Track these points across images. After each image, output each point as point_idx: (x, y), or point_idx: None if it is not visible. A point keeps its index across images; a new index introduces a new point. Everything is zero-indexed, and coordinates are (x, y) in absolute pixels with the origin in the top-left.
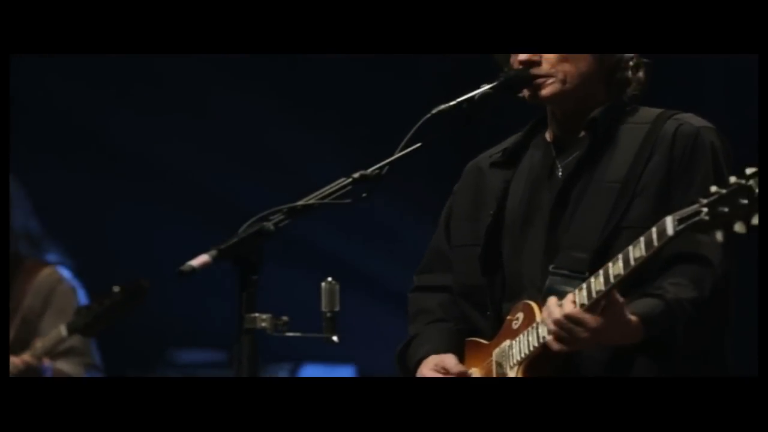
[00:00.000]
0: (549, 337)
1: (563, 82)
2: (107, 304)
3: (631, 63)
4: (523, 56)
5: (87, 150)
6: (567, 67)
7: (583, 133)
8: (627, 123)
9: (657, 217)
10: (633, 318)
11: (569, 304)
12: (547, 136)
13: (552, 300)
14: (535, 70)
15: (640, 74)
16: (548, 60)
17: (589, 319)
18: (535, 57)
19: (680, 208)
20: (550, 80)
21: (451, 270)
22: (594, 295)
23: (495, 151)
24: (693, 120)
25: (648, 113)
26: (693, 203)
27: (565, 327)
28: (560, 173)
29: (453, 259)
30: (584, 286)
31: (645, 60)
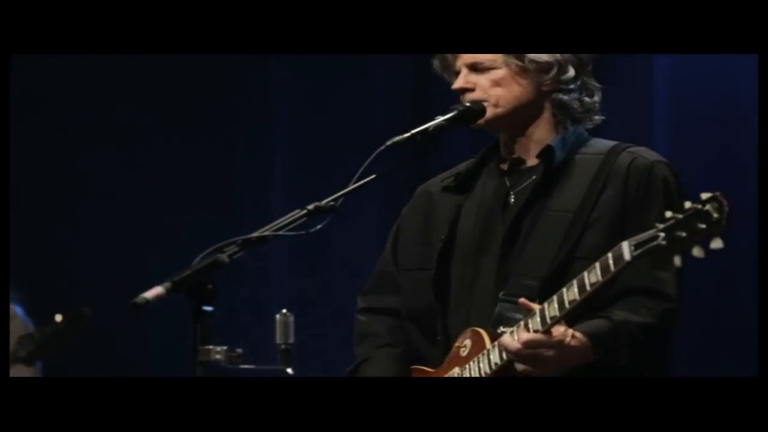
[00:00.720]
0: (500, 364)
1: (496, 105)
2: (49, 332)
3: (573, 86)
4: (456, 84)
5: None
6: (499, 91)
7: (536, 161)
8: (581, 153)
9: (608, 249)
10: (579, 335)
11: (523, 332)
12: (501, 163)
13: (505, 336)
14: (468, 96)
15: (586, 98)
16: (481, 86)
17: (547, 339)
18: (468, 84)
19: None
20: (484, 104)
21: (398, 293)
22: (548, 321)
23: (447, 176)
24: (647, 154)
25: (602, 145)
26: (649, 229)
27: (526, 354)
28: (513, 201)
29: (402, 283)
30: (537, 312)
31: (595, 84)
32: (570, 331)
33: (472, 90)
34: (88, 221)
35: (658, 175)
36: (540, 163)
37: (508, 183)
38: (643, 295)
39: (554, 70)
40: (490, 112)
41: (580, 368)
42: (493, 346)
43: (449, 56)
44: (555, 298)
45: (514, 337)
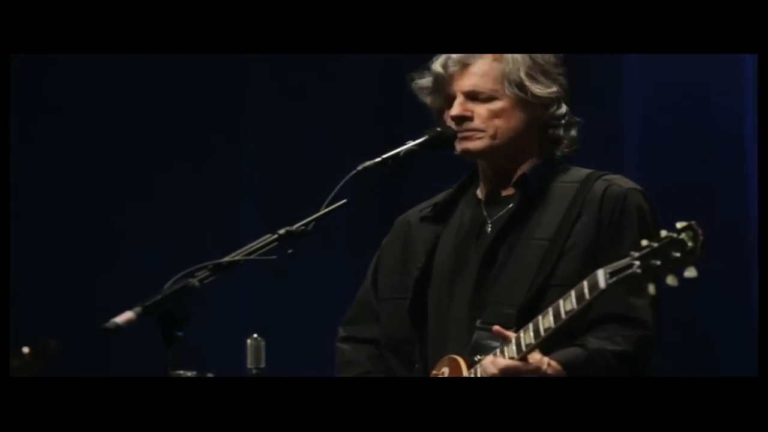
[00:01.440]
0: None
1: (493, 137)
2: (15, 364)
3: (563, 120)
4: (455, 111)
5: None
6: (498, 122)
7: (513, 190)
8: (557, 181)
9: (583, 276)
10: (555, 363)
11: (500, 359)
12: (478, 192)
13: (484, 361)
14: (467, 125)
15: (572, 132)
16: (480, 115)
17: (523, 366)
18: (467, 112)
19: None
20: (480, 134)
21: (377, 322)
22: (524, 348)
23: (425, 206)
24: (621, 181)
25: (578, 173)
26: (624, 257)
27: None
28: (489, 229)
29: (381, 312)
30: (513, 340)
31: (577, 119)
32: (545, 359)
33: (470, 118)
34: (53, 248)
35: (632, 202)
36: (516, 191)
37: (485, 212)
38: (619, 323)
39: (553, 106)
40: (484, 142)
41: None
42: (471, 374)
43: (446, 78)
44: (531, 326)
45: (492, 363)
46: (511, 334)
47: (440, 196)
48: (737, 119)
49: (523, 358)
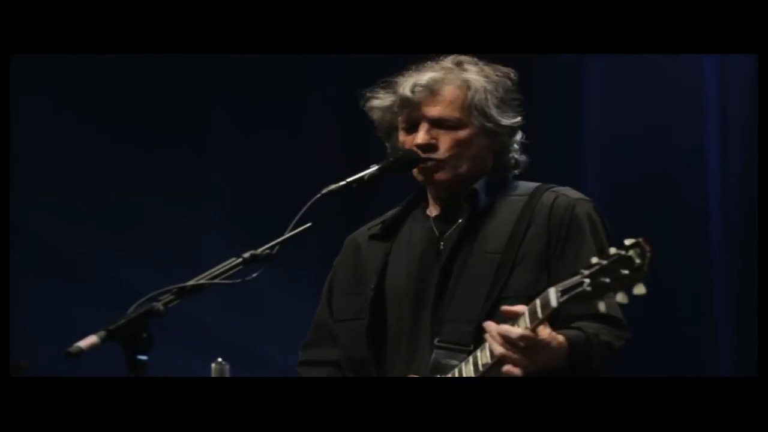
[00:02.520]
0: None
1: (455, 167)
2: None
3: (517, 146)
4: (420, 140)
5: None
6: (461, 150)
7: (463, 206)
8: (506, 195)
9: (537, 286)
10: (561, 338)
11: (514, 328)
12: (427, 209)
13: (504, 326)
14: (431, 154)
15: (524, 156)
16: (444, 143)
17: (537, 337)
18: (432, 140)
19: (560, 279)
20: (443, 165)
21: (335, 344)
22: (480, 368)
23: (373, 224)
24: (569, 192)
25: (526, 186)
26: (575, 275)
27: (522, 347)
28: (442, 246)
29: (338, 334)
30: (470, 359)
31: (524, 141)
32: (554, 333)
33: (435, 147)
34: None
35: (581, 212)
36: (466, 207)
37: (435, 228)
38: (598, 321)
39: (515, 134)
40: (448, 174)
41: (553, 371)
42: (483, 347)
43: (413, 102)
44: (487, 345)
45: (506, 331)
46: (522, 308)
47: (387, 214)
48: (699, 136)
49: (534, 330)
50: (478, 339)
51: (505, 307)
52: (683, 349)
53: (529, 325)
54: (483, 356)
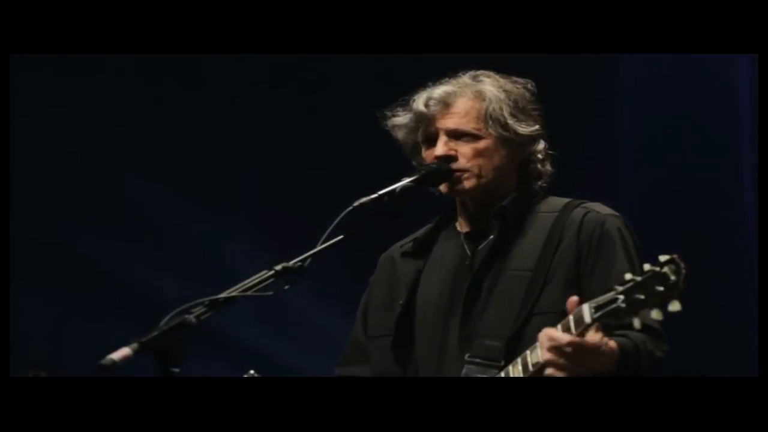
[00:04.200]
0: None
1: (479, 176)
2: None
3: (540, 156)
4: (439, 151)
5: None
6: (482, 161)
7: (492, 223)
8: (535, 212)
9: (565, 302)
10: (613, 344)
11: (562, 334)
12: (458, 225)
13: (550, 329)
14: (452, 165)
15: (549, 166)
16: (464, 154)
17: (585, 343)
18: (452, 152)
19: (593, 296)
20: (467, 174)
21: (368, 361)
22: (530, 368)
23: (406, 242)
24: (599, 208)
25: (556, 202)
26: (608, 291)
27: (568, 352)
28: (472, 263)
29: (370, 350)
30: (502, 374)
31: (551, 152)
32: (605, 339)
33: (455, 158)
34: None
35: (611, 228)
36: (496, 224)
37: (466, 245)
38: (650, 333)
39: (535, 143)
40: (472, 182)
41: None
42: (533, 347)
43: (428, 116)
44: (519, 360)
45: (552, 337)
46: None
47: (420, 232)
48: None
49: (581, 334)
50: (508, 355)
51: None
52: (721, 354)
53: None
54: (515, 371)
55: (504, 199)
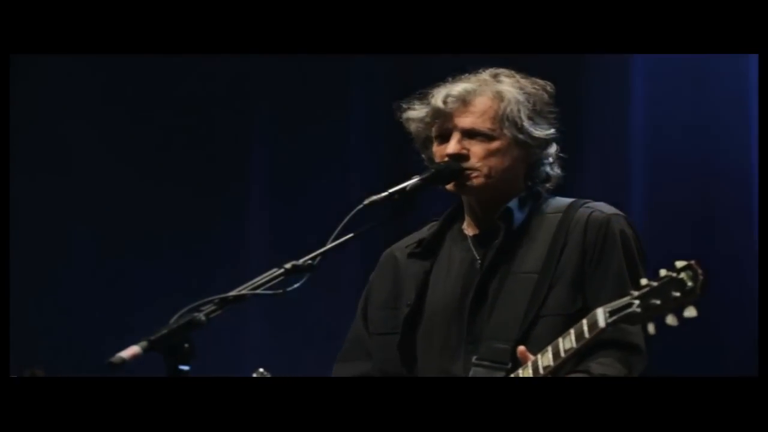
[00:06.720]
0: None
1: (488, 176)
2: None
3: (551, 159)
4: (451, 149)
5: None
6: (493, 161)
7: (498, 224)
8: (540, 213)
9: (573, 304)
10: None
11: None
12: (464, 226)
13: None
14: (462, 163)
15: (558, 170)
16: (475, 154)
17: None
18: (463, 150)
19: (595, 296)
20: (475, 173)
21: (368, 357)
22: (540, 371)
23: (410, 242)
24: (604, 208)
25: (560, 203)
26: (616, 292)
27: None
28: (479, 265)
29: (372, 347)
30: (529, 364)
31: (561, 155)
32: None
33: (467, 157)
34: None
35: (615, 228)
36: (501, 226)
37: (473, 247)
38: (616, 348)
39: (548, 147)
40: (480, 181)
41: None
42: (544, 351)
43: (446, 113)
44: (530, 364)
45: None
46: (531, 357)
47: (424, 231)
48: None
49: (595, 338)
50: (515, 357)
51: (522, 349)
52: (724, 356)
53: (575, 344)
54: (525, 374)
55: (510, 200)
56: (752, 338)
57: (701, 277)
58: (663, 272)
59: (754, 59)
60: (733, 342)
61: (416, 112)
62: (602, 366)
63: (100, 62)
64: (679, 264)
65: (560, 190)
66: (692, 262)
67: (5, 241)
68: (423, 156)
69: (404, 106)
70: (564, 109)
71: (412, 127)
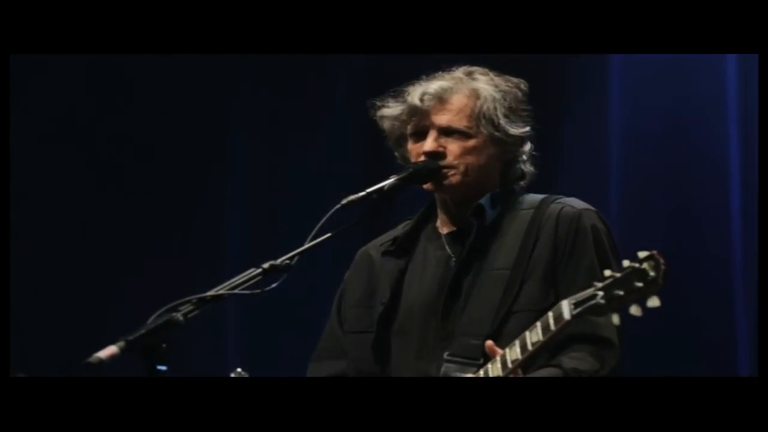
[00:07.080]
0: None
1: (464, 174)
2: None
3: (525, 157)
4: (428, 147)
5: None
6: (470, 159)
7: (471, 221)
8: (513, 209)
9: (545, 299)
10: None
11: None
12: (438, 224)
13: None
14: (439, 161)
15: (530, 167)
16: (452, 152)
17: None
18: (440, 148)
19: (567, 290)
20: (452, 171)
21: (343, 355)
22: (509, 365)
23: (385, 240)
24: (575, 203)
25: (533, 199)
26: (587, 287)
27: None
28: (453, 263)
29: (347, 345)
30: (481, 373)
31: (535, 153)
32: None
33: (443, 155)
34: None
35: (587, 222)
36: (474, 223)
37: (447, 245)
38: (587, 342)
39: (523, 144)
40: (458, 179)
41: None
42: (512, 345)
43: (422, 111)
44: (498, 358)
45: None
46: (499, 351)
47: (398, 230)
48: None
49: (560, 331)
50: (486, 353)
51: (490, 343)
52: (702, 352)
53: (542, 337)
54: (494, 369)
55: (480, 196)
56: (727, 334)
57: (663, 267)
58: (626, 263)
59: (732, 59)
60: (709, 338)
61: (391, 110)
62: (574, 360)
63: (76, 62)
64: (642, 254)
65: (538, 188)
66: (654, 252)
67: (5, 241)
68: (396, 154)
69: (378, 104)
70: (542, 108)
71: (387, 124)
